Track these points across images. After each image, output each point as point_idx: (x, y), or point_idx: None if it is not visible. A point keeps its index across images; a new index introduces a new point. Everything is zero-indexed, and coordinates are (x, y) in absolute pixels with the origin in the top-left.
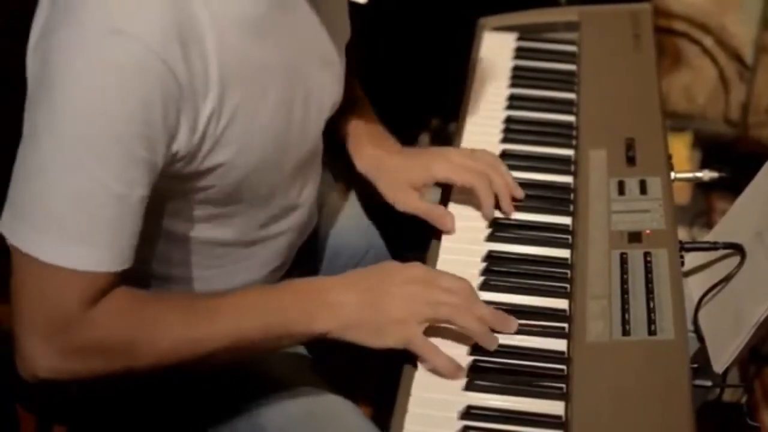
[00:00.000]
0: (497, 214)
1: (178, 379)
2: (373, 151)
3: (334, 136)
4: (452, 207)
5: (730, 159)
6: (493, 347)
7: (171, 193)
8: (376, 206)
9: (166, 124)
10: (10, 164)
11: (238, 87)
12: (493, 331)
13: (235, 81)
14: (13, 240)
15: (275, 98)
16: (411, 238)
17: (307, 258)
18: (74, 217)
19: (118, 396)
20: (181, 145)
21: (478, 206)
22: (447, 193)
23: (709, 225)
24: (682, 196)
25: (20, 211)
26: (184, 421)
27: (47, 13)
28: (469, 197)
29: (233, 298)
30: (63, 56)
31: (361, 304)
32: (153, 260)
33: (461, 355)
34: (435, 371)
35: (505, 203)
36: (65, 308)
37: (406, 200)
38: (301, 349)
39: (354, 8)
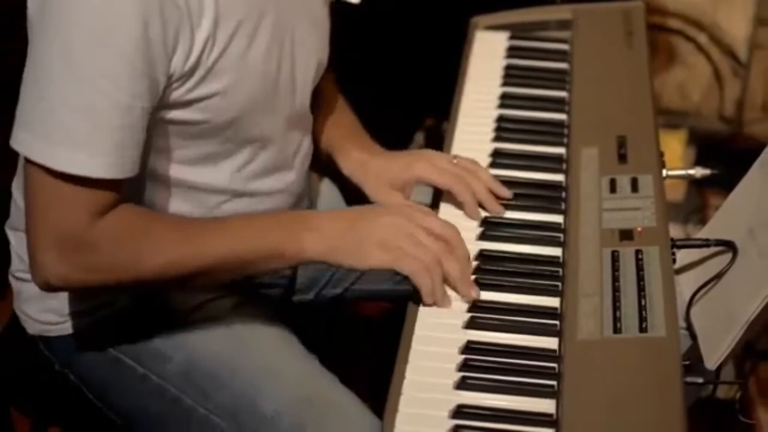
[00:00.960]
0: (489, 213)
1: (176, 370)
2: (358, 153)
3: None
4: (443, 206)
5: (725, 156)
6: (444, 305)
7: (166, 124)
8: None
9: (165, 42)
10: (9, 162)
11: (231, 19)
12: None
13: (229, 13)
14: (27, 152)
15: (265, 41)
16: None
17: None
18: (83, 127)
19: (111, 391)
20: (177, 66)
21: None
22: (438, 192)
23: (704, 222)
24: (677, 192)
25: (32, 125)
26: (180, 411)
27: None
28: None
29: (229, 220)
30: None
31: (345, 229)
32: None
33: (453, 354)
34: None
35: (490, 206)
36: (75, 219)
37: (388, 201)
38: (295, 337)
39: (347, 8)
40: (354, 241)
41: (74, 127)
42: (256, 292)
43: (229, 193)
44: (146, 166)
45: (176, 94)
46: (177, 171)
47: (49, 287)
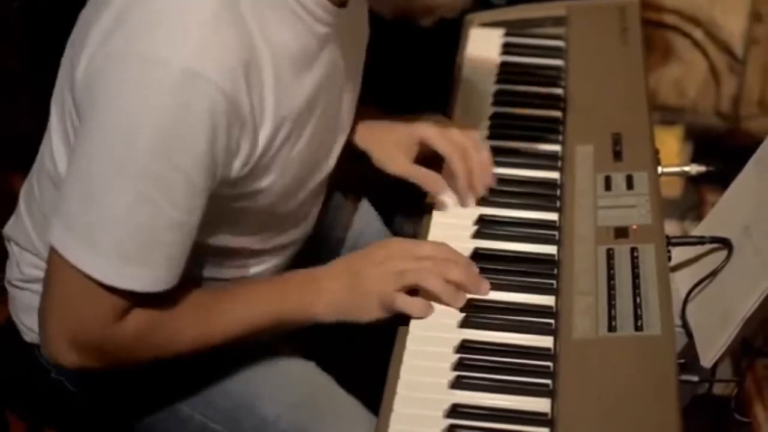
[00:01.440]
0: (483, 210)
1: (173, 376)
2: (365, 124)
3: None
4: (435, 209)
5: (722, 152)
6: (458, 305)
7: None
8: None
9: (227, 156)
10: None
11: (288, 121)
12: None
13: (287, 115)
14: (68, 255)
15: (313, 127)
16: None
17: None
18: (135, 242)
19: (109, 399)
20: (234, 171)
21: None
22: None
23: (700, 218)
24: (673, 189)
25: (78, 228)
26: (180, 414)
27: (109, 26)
28: (453, 195)
29: (242, 291)
30: (133, 90)
31: (347, 288)
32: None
33: (448, 353)
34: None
35: (477, 181)
36: (98, 323)
37: (395, 162)
38: (295, 339)
39: None
40: (357, 299)
41: (125, 241)
42: None
43: (248, 254)
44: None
45: (224, 192)
46: (202, 235)
47: (60, 367)
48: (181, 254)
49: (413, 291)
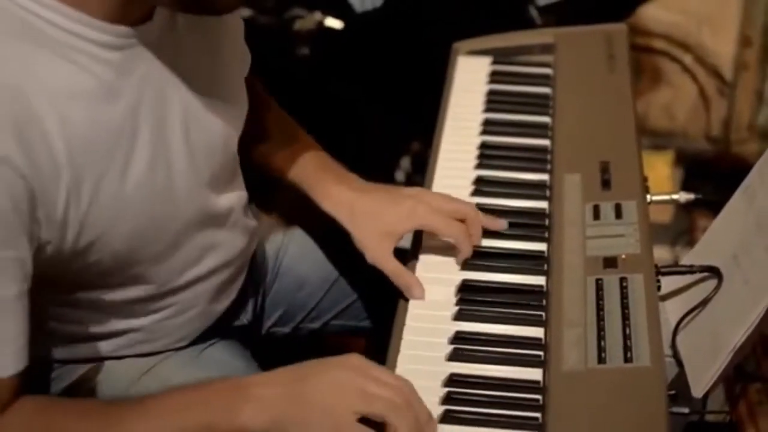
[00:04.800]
0: None
1: None
2: (338, 188)
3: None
4: (426, 235)
5: (713, 176)
6: None
7: (59, 273)
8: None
9: (20, 221)
10: None
11: (94, 162)
12: None
13: (90, 156)
14: None
15: (145, 157)
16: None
17: (257, 292)
18: None
19: None
20: (44, 235)
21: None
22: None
23: (692, 244)
24: (664, 215)
25: None
26: None
27: None
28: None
29: (146, 402)
30: None
31: (287, 396)
32: (71, 324)
33: (436, 387)
34: None
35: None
36: None
37: (377, 253)
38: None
39: (331, 34)
40: (296, 411)
41: None
42: (219, 331)
43: (159, 297)
44: (60, 297)
45: (56, 254)
46: (91, 296)
47: None
48: (9, 334)
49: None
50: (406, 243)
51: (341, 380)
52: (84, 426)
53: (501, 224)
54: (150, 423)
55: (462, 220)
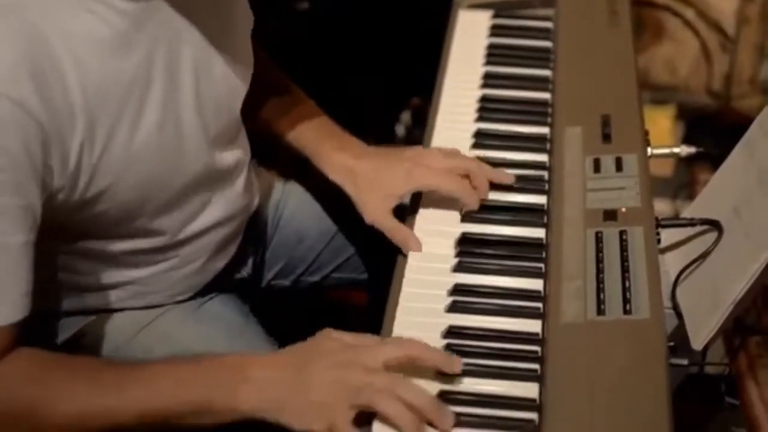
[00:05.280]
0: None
1: None
2: (340, 155)
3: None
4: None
5: (714, 131)
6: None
7: (67, 221)
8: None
9: (33, 166)
10: None
11: (108, 112)
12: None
13: (105, 106)
14: None
15: (157, 109)
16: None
17: (258, 245)
18: None
19: None
20: (55, 182)
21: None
22: None
23: (692, 197)
24: (665, 168)
25: None
26: None
27: None
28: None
29: (147, 369)
30: None
31: (285, 383)
32: (75, 274)
33: (436, 339)
34: None
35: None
36: None
37: (376, 214)
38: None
39: None
40: (296, 399)
41: None
42: (218, 285)
43: (160, 250)
44: (58, 247)
45: (66, 202)
46: (97, 245)
47: None
48: (12, 283)
49: None
50: (405, 198)
51: (338, 377)
52: (80, 387)
53: (508, 177)
54: (147, 392)
55: (466, 176)
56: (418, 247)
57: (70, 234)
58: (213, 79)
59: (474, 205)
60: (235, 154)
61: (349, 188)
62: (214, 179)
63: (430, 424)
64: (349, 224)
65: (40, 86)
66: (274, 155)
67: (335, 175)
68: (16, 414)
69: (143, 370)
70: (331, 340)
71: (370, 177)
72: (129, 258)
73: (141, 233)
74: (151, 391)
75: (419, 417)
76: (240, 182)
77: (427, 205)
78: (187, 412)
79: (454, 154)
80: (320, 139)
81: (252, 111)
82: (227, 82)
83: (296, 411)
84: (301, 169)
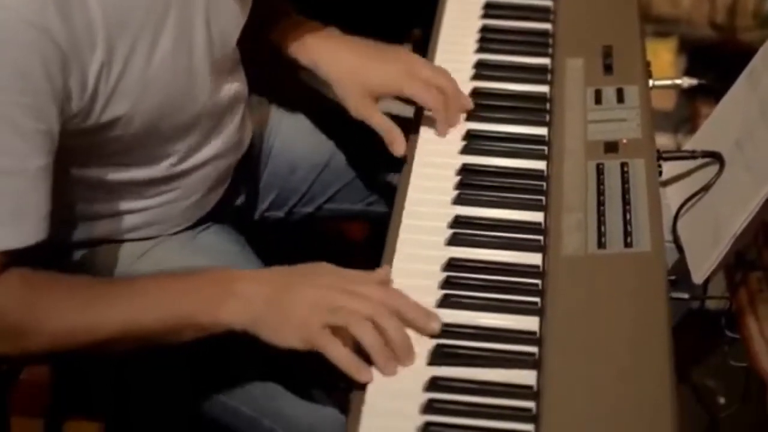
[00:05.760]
0: (472, 125)
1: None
2: (320, 42)
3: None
4: (425, 118)
5: (716, 64)
6: (365, 378)
7: (77, 146)
8: (332, 118)
9: (53, 89)
10: None
11: (127, 35)
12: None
13: (123, 30)
14: None
15: (172, 35)
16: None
17: (250, 176)
18: None
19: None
20: (73, 106)
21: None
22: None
23: (694, 131)
24: (667, 102)
25: None
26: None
27: None
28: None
29: (133, 283)
30: None
31: (268, 299)
32: (78, 203)
33: (435, 271)
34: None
35: (453, 118)
36: None
37: (364, 110)
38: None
39: None
40: (276, 314)
41: None
42: (213, 215)
43: (162, 181)
44: (66, 174)
45: (80, 126)
46: (100, 173)
47: None
48: (29, 206)
49: None
50: (409, 112)
51: (318, 297)
52: (70, 302)
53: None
54: (134, 305)
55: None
56: (402, 151)
57: (74, 160)
58: (223, 11)
59: (443, 122)
60: (235, 87)
61: (326, 74)
62: (217, 110)
63: None
64: (343, 153)
65: (63, 10)
66: (270, 89)
67: (309, 58)
68: (7, 329)
69: (131, 285)
70: (322, 267)
71: (354, 69)
72: (131, 188)
73: (147, 161)
74: (138, 304)
75: (392, 348)
76: (238, 116)
77: (426, 135)
78: (171, 327)
79: (442, 72)
80: (302, 32)
81: (260, 36)
82: (234, 13)
83: (275, 326)
84: (293, 101)
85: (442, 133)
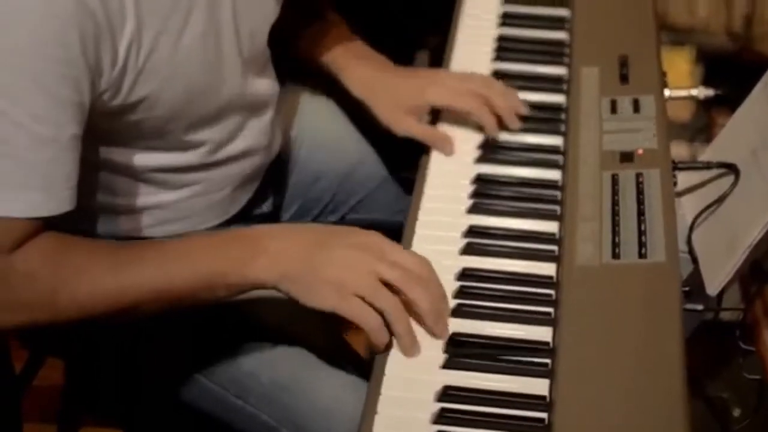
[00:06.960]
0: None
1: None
2: (363, 70)
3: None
4: (441, 129)
5: (733, 73)
6: (382, 345)
7: (104, 127)
8: (365, 123)
9: (87, 62)
10: None
11: (156, 15)
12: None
13: (153, 10)
14: None
15: (200, 23)
16: (404, 155)
17: (278, 183)
18: (1, 164)
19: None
20: (103, 82)
21: (468, 127)
22: (435, 114)
23: (710, 141)
24: (683, 112)
25: None
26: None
27: None
28: (457, 118)
29: (164, 245)
30: None
31: (300, 256)
32: (98, 192)
33: (449, 281)
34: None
35: (510, 122)
36: None
37: (403, 123)
38: None
39: None
40: (306, 273)
41: None
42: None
43: (185, 171)
44: (90, 157)
45: (108, 104)
46: (125, 158)
47: None
48: (61, 175)
49: None
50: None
51: (353, 259)
52: (101, 265)
53: (523, 109)
54: (166, 266)
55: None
56: (451, 150)
57: (104, 142)
58: (250, 7)
59: (492, 124)
60: (266, 84)
61: (368, 101)
62: (246, 106)
63: None
64: (367, 163)
65: None
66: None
67: (357, 89)
68: (38, 294)
69: (161, 246)
70: (354, 229)
71: (387, 88)
72: (157, 176)
73: (173, 147)
74: (169, 264)
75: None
76: (268, 115)
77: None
78: (203, 286)
79: (471, 77)
80: (346, 55)
81: (291, 36)
82: (261, 7)
83: (305, 286)
84: (319, 109)
85: (492, 132)
